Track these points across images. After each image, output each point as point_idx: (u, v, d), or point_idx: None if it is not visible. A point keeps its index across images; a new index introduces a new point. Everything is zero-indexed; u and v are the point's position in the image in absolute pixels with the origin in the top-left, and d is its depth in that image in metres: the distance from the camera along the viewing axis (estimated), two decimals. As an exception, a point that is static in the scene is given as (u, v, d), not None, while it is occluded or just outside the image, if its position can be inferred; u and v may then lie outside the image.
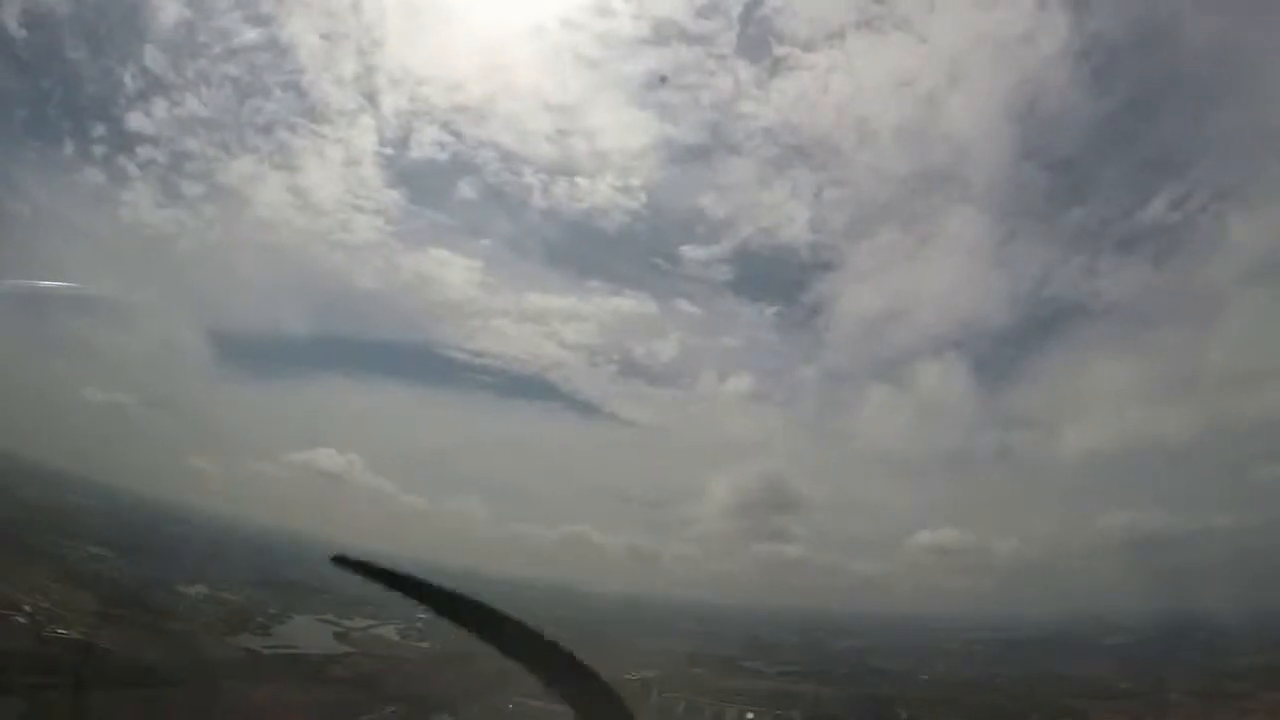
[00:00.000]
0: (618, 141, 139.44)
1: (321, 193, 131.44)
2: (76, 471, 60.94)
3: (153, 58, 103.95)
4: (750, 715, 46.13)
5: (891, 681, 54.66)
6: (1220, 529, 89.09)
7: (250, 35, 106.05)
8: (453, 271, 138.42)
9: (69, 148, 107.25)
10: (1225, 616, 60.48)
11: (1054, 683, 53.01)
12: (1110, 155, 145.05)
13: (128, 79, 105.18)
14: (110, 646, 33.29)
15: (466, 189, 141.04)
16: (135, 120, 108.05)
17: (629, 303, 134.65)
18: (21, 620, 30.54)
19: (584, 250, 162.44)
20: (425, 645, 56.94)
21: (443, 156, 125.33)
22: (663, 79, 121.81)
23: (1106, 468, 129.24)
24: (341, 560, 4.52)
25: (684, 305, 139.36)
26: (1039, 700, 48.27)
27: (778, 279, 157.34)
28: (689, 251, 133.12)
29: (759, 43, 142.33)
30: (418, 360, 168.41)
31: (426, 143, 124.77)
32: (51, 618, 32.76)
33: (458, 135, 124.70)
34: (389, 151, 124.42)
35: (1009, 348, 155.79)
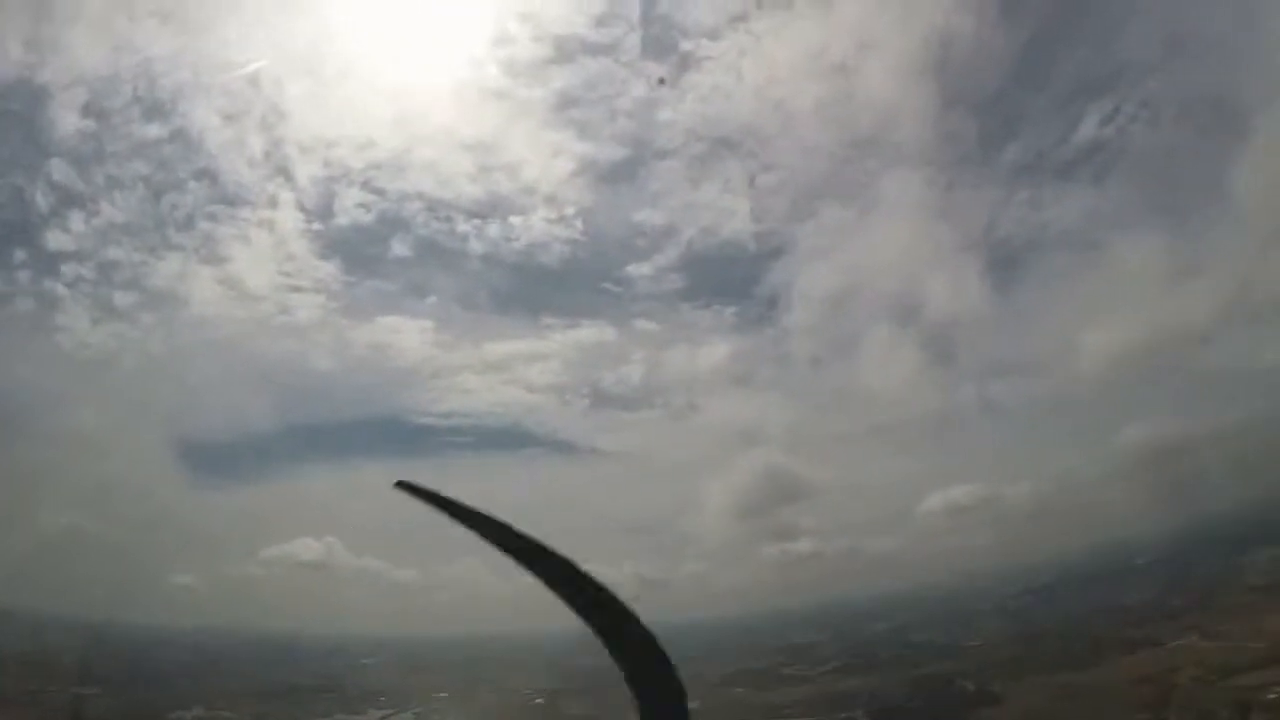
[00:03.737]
0: (542, 170, 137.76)
1: (255, 279, 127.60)
2: (47, 609, 56.35)
3: (60, 171, 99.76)
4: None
5: (941, 654, 51.81)
6: (1227, 428, 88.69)
7: (152, 130, 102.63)
8: (404, 336, 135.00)
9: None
10: (1245, 511, 59.41)
11: (1106, 615, 50.66)
12: (1032, 85, 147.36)
13: (39, 197, 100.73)
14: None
15: (400, 247, 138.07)
16: (55, 239, 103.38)
17: (587, 333, 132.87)
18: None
19: (531, 289, 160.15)
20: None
21: (369, 218, 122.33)
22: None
23: (1100, 393, 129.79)
24: (404, 485, 4.27)
25: (643, 324, 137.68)
26: (1101, 637, 45.81)
27: (730, 276, 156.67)
28: (636, 269, 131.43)
29: (664, 41, 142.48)
30: (386, 433, 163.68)
31: (350, 206, 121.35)
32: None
33: (379, 193, 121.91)
34: (315, 225, 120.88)
35: (974, 295, 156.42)
